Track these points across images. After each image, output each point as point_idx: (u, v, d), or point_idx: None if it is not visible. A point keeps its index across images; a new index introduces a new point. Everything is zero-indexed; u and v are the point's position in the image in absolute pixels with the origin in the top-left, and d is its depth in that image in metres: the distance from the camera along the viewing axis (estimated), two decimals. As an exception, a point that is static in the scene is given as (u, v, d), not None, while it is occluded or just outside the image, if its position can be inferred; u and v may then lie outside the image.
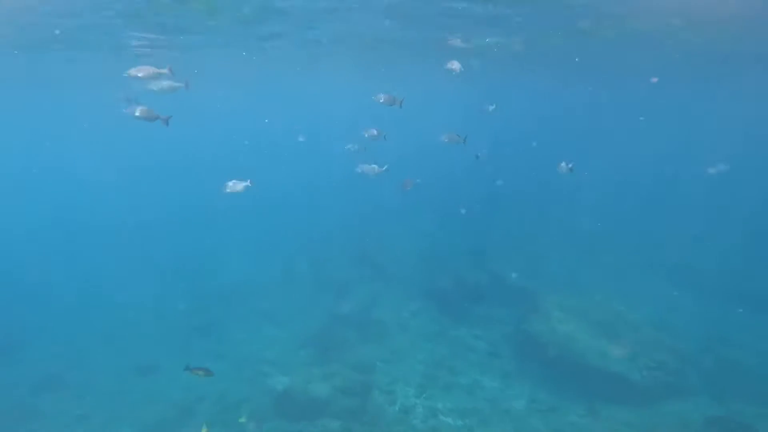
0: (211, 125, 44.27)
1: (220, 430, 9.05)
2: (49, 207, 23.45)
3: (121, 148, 37.61)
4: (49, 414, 9.65)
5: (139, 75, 6.57)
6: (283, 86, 30.59)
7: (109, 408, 9.86)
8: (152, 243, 17.76)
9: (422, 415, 9.41)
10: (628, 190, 26.54)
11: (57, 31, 12.27)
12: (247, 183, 7.65)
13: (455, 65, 8.61)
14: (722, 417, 8.93)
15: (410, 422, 9.19)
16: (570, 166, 8.29)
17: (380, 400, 9.88)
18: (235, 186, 7.66)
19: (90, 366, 11.25)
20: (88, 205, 23.11)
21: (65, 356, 11.63)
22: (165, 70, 6.72)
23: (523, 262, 16.97)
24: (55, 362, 11.31)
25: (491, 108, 15.41)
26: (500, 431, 8.94)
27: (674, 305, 13.96)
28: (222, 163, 27.63)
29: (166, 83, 6.82)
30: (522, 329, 12.42)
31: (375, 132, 9.04)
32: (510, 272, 15.80)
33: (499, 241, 18.99)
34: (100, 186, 28.21)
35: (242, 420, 9.05)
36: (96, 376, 10.90)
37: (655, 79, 19.83)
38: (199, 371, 6.94)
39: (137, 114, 6.76)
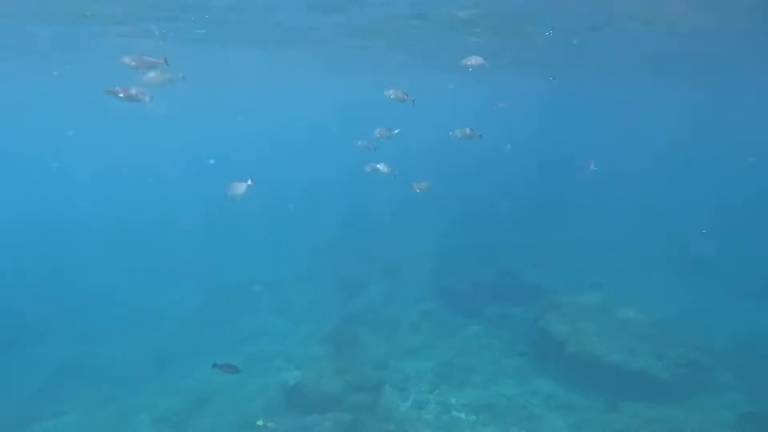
0: (223, 122, 44.99)
1: (234, 420, 9.05)
2: (65, 202, 24.13)
3: (134, 144, 38.66)
4: (70, 399, 9.84)
5: (132, 64, 6.02)
6: (295, 84, 31.13)
7: (128, 396, 9.98)
8: (167, 240, 18.06)
9: (435, 411, 9.21)
10: (644, 183, 25.91)
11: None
12: (249, 183, 7.06)
13: (475, 61, 8.45)
14: (756, 413, 8.46)
15: (423, 417, 9.00)
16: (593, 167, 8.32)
17: (393, 395, 9.72)
18: (237, 189, 7.09)
19: (108, 356, 11.44)
20: (103, 201, 23.73)
21: (84, 347, 11.86)
22: (161, 60, 6.25)
23: (539, 259, 16.68)
24: (75, 352, 11.54)
25: (502, 106, 15.30)
26: (516, 426, 8.67)
27: (701, 301, 13.43)
28: (234, 160, 28.06)
29: (161, 75, 6.27)
30: (539, 327, 12.11)
31: (387, 131, 8.98)
32: (525, 270, 15.54)
33: (514, 239, 18.73)
34: (114, 182, 29.03)
35: (260, 423, 9.00)
36: (114, 366, 11.07)
37: None
38: (227, 368, 6.88)
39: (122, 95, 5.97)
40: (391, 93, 7.90)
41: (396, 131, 9.00)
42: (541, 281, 14.63)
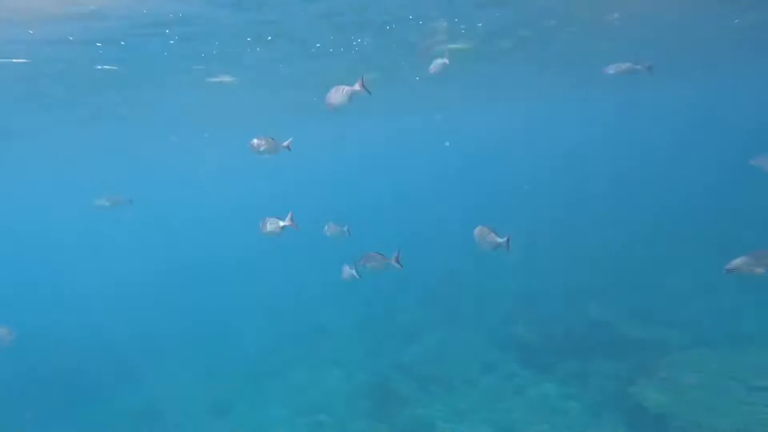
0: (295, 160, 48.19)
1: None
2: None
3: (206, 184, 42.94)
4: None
5: (261, 149, 6.04)
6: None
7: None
8: (230, 282, 19.33)
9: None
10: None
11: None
12: (288, 222, 6.39)
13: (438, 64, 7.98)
14: None
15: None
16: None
17: (435, 468, 8.51)
18: (274, 225, 6.49)
19: (177, 400, 12.34)
20: (172, 242, 26.50)
21: (161, 391, 12.99)
22: (286, 144, 6.20)
23: (640, 302, 13.77)
24: (152, 397, 12.68)
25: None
26: None
27: None
28: (302, 200, 29.46)
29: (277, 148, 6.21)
30: (631, 394, 9.73)
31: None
32: (623, 318, 12.90)
33: (604, 276, 15.87)
34: (185, 223, 32.63)
35: None
36: (179, 413, 11.86)
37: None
38: None
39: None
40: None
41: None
42: (641, 332, 11.92)
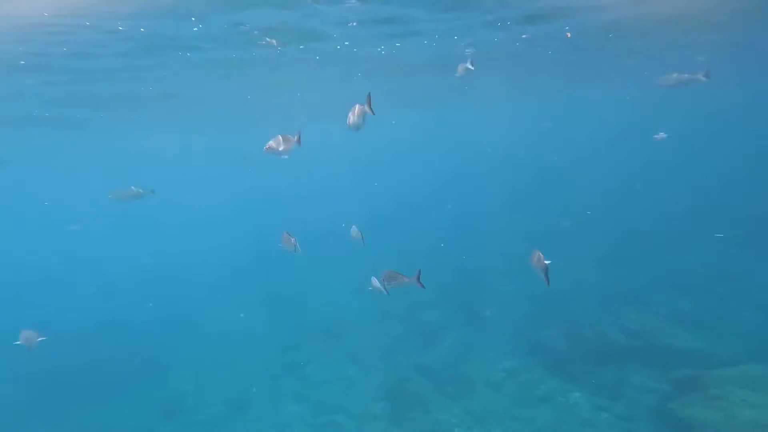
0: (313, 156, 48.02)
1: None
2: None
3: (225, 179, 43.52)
4: None
5: (280, 149, 5.91)
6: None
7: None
8: (252, 277, 19.42)
9: None
10: None
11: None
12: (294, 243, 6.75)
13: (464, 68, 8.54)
14: None
15: None
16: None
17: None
18: (287, 240, 6.88)
19: (198, 393, 12.56)
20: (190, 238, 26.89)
21: (187, 385, 13.27)
22: (295, 138, 6.07)
23: (685, 309, 12.72)
24: (179, 390, 12.97)
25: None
26: None
27: None
28: (323, 194, 29.28)
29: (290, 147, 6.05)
30: (672, 409, 8.91)
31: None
32: (660, 323, 11.92)
33: (644, 279, 14.77)
34: (208, 221, 33.09)
35: None
36: (200, 408, 12.04)
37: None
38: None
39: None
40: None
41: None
42: (685, 342, 10.92)
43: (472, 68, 8.52)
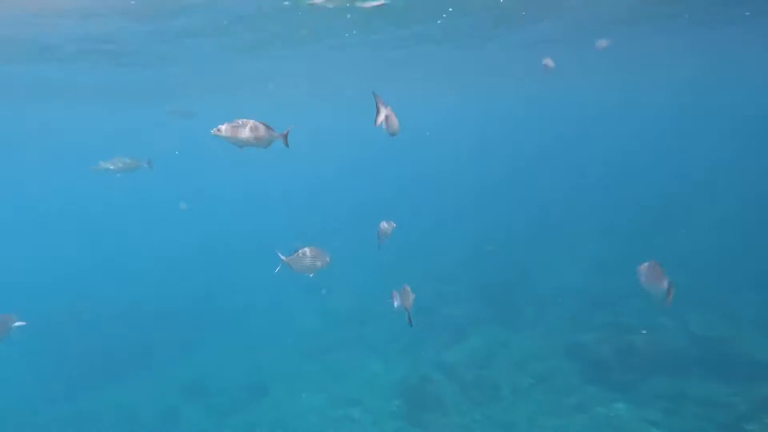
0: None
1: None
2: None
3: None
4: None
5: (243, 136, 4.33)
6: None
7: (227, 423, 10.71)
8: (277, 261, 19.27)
9: None
10: None
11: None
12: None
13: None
14: None
15: None
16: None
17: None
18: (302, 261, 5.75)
19: (222, 378, 12.72)
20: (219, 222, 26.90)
21: (209, 366, 13.50)
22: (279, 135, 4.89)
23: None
24: (200, 371, 13.24)
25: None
26: None
27: None
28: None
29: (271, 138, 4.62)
30: (747, 432, 7.57)
31: None
32: (735, 329, 10.28)
33: (715, 278, 12.83)
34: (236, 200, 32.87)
35: None
36: (224, 389, 12.17)
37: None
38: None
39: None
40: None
41: None
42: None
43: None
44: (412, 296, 5.60)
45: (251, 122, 4.36)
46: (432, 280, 15.66)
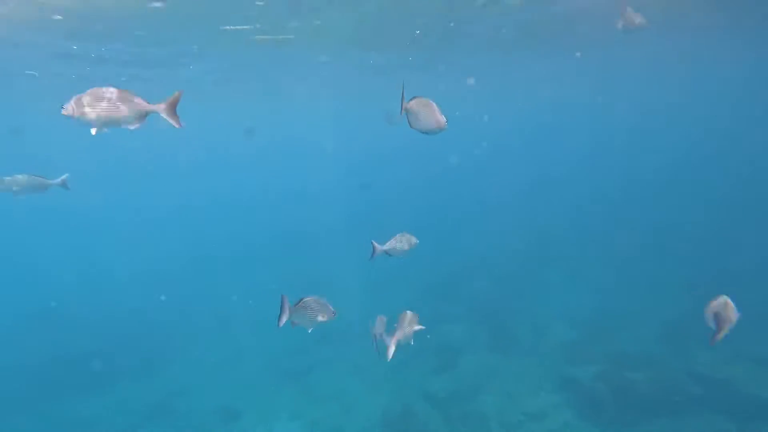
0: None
1: None
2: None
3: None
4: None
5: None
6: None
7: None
8: (261, 275, 18.48)
9: None
10: None
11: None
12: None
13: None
14: None
15: None
16: None
17: None
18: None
19: (192, 398, 11.84)
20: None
21: (181, 383, 12.64)
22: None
23: None
24: (167, 391, 12.35)
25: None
26: None
27: None
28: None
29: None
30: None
31: None
32: (741, 368, 9.60)
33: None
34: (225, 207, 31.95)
35: None
36: (192, 413, 11.30)
37: None
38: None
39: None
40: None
41: None
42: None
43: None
44: (410, 328, 4.89)
45: (109, 90, 3.27)
46: (428, 296, 14.97)
